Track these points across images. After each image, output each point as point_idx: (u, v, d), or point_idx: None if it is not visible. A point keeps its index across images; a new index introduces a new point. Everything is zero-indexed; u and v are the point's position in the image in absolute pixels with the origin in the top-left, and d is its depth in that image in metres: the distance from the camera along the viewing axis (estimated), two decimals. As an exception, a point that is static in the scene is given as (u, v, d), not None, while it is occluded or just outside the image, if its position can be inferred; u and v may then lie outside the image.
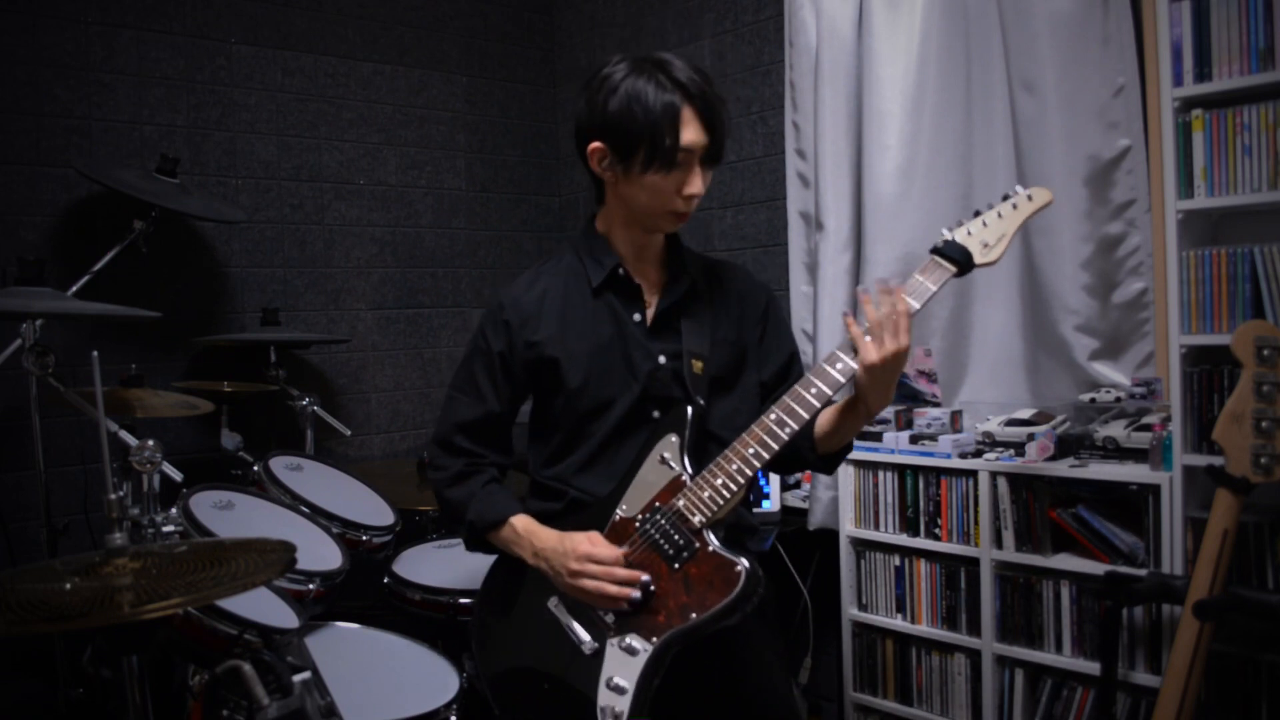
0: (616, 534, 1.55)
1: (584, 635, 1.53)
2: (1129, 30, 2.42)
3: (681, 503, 1.51)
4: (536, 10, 4.10)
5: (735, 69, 3.35)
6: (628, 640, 1.49)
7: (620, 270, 1.64)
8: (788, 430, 1.48)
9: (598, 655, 1.51)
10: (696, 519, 1.49)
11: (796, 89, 3.05)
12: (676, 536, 1.50)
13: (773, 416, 1.49)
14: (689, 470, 1.53)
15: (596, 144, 1.56)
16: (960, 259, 1.53)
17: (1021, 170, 2.60)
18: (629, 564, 1.52)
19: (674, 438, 1.56)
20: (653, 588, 1.49)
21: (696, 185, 1.54)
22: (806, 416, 1.48)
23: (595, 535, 1.55)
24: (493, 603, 1.69)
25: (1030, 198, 1.58)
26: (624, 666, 1.48)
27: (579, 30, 4.03)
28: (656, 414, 1.61)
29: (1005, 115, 2.63)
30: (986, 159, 2.69)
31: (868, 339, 1.47)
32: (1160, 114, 2.21)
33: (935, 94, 2.74)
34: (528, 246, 3.98)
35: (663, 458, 1.55)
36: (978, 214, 1.58)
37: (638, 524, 1.54)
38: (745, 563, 1.46)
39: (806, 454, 1.66)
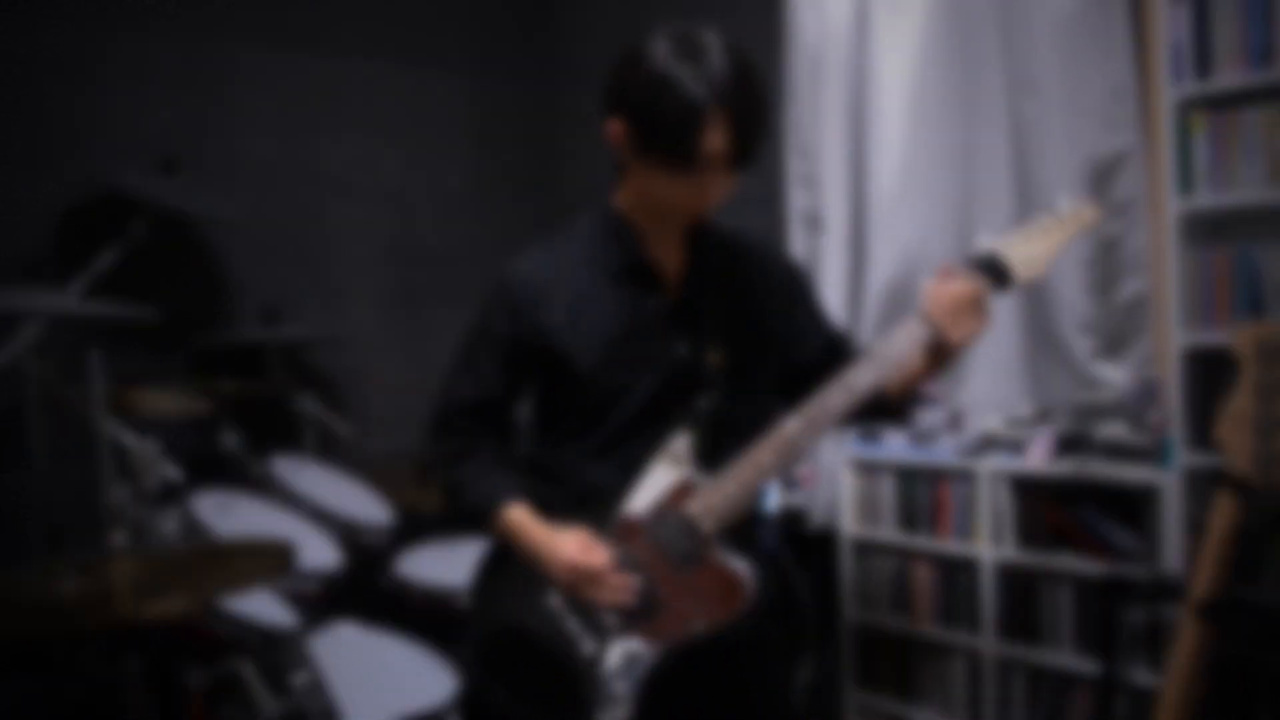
0: (622, 534, 1.51)
1: (583, 635, 1.51)
2: (1129, 30, 2.42)
3: (691, 508, 1.47)
4: (536, 10, 4.10)
5: (735, 69, 3.34)
6: (629, 644, 1.47)
7: (639, 250, 1.56)
8: (807, 441, 1.44)
9: (596, 657, 1.49)
10: (705, 526, 1.46)
11: (796, 89, 3.05)
12: (684, 543, 1.47)
13: (793, 426, 1.44)
14: (700, 473, 1.50)
15: (617, 121, 1.47)
16: (998, 273, 1.46)
17: (1022, 170, 2.61)
18: (634, 565, 1.49)
19: (687, 436, 1.51)
20: (658, 593, 1.47)
21: (711, 195, 1.46)
22: (828, 428, 1.44)
23: (584, 538, 1.50)
24: (490, 595, 1.65)
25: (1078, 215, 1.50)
26: (623, 671, 1.47)
27: (579, 30, 4.03)
28: (673, 407, 1.54)
29: (1005, 115, 2.63)
30: (987, 159, 2.69)
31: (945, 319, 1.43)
32: (1160, 114, 2.21)
33: (935, 94, 2.74)
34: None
35: (674, 457, 1.51)
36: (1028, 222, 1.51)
37: (644, 526, 1.50)
38: (752, 575, 1.43)
39: (887, 413, 1.61)
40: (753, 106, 1.43)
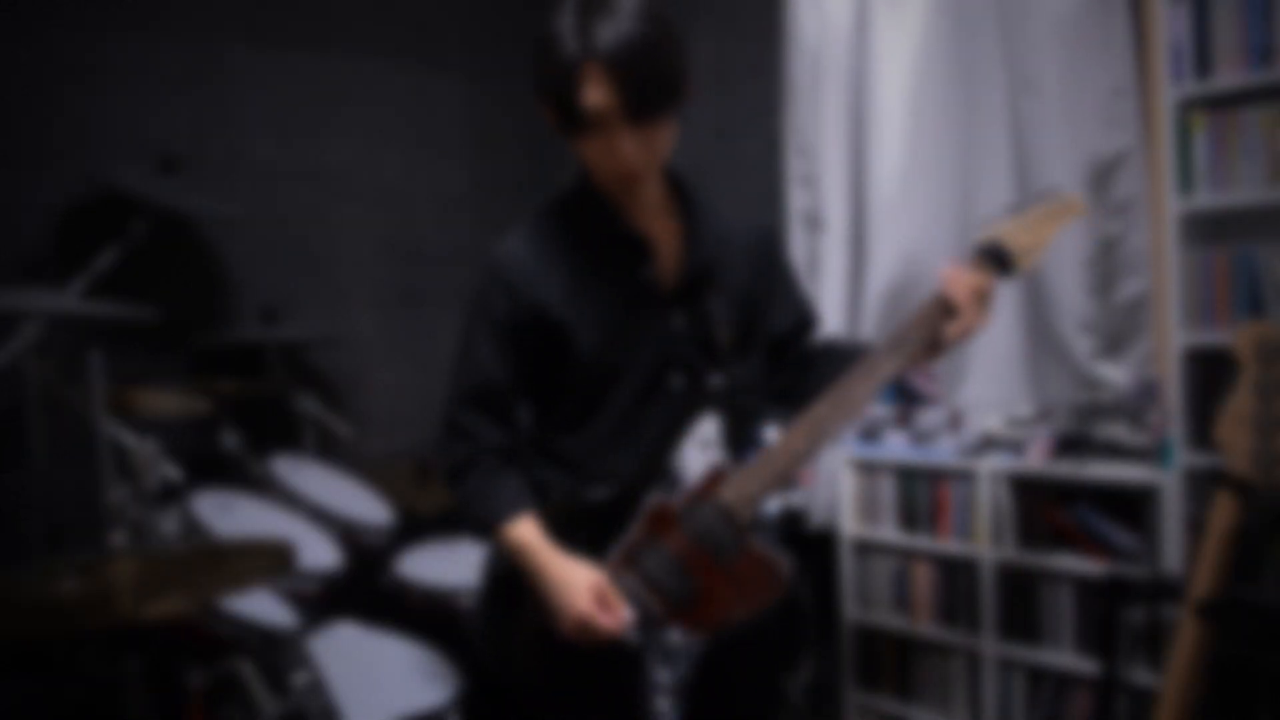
0: (655, 523, 1.47)
1: (629, 627, 1.45)
2: (1129, 30, 2.42)
3: (728, 497, 1.44)
4: (536, 11, 4.10)
5: (735, 69, 3.35)
6: (673, 635, 1.44)
7: (621, 220, 1.51)
8: (835, 427, 1.43)
9: (640, 649, 1.44)
10: (743, 514, 1.44)
11: (796, 89, 3.05)
12: (723, 533, 1.44)
13: (822, 410, 1.43)
14: (731, 459, 1.47)
15: (540, 98, 1.44)
16: (1003, 262, 1.46)
17: (1022, 170, 2.61)
18: (675, 557, 1.45)
19: (712, 420, 1.48)
20: (698, 584, 1.45)
21: (626, 154, 1.38)
22: (854, 414, 1.44)
23: (599, 585, 1.43)
24: (514, 587, 1.54)
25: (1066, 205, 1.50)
26: (667, 661, 1.44)
27: (579, 30, 4.03)
28: (678, 385, 1.51)
29: (1005, 115, 2.63)
30: (987, 159, 2.69)
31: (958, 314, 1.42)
32: (1160, 114, 2.21)
33: (935, 93, 2.74)
34: (528, 246, 3.97)
35: (702, 442, 1.47)
36: (1017, 207, 1.51)
37: (680, 514, 1.46)
38: (789, 562, 1.43)
39: None
40: (639, 57, 1.34)
